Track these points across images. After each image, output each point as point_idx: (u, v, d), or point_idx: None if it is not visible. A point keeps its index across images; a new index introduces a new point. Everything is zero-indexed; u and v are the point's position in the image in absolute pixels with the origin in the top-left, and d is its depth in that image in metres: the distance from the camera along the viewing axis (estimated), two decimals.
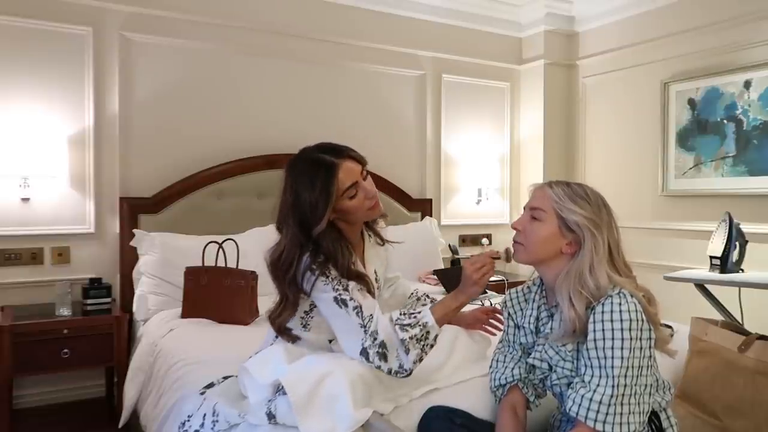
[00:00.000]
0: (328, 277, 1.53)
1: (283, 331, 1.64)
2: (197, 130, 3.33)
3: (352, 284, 1.55)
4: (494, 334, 1.91)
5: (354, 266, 1.61)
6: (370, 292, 1.60)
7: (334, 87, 3.74)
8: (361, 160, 1.62)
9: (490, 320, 1.93)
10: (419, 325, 1.50)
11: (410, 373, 1.50)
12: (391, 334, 1.49)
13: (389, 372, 1.49)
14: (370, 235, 1.79)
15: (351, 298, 1.52)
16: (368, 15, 3.81)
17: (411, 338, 1.48)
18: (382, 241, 1.82)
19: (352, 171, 1.58)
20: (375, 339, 1.48)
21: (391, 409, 1.53)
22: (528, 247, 1.45)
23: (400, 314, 1.53)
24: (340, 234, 1.61)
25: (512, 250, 1.51)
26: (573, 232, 1.40)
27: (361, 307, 1.51)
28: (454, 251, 3.91)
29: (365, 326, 1.50)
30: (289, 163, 1.62)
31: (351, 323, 1.51)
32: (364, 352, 1.49)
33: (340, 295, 1.52)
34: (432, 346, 1.52)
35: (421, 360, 1.51)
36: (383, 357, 1.47)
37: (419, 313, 1.53)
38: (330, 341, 1.69)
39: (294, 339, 1.65)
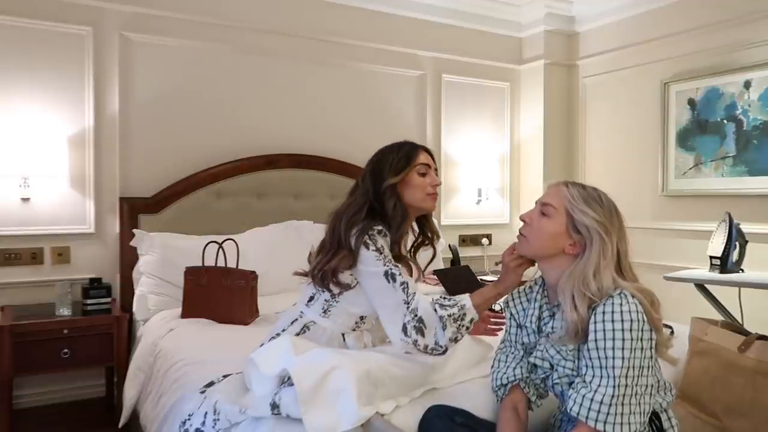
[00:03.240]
0: (381, 253, 1.61)
1: (335, 276, 1.66)
2: (197, 129, 3.33)
3: (399, 266, 1.64)
4: (496, 335, 1.92)
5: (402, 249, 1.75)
6: (411, 276, 1.70)
7: (334, 87, 3.73)
8: (435, 161, 1.83)
9: (492, 322, 1.94)
10: (457, 306, 1.58)
11: (445, 351, 1.58)
12: (430, 312, 1.56)
13: (425, 348, 1.55)
14: (411, 255, 1.85)
15: (400, 274, 1.61)
16: (368, 15, 3.81)
17: (449, 316, 1.56)
18: (418, 271, 1.85)
19: (428, 158, 1.81)
20: (415, 315, 1.55)
21: (392, 408, 1.53)
22: (531, 241, 1.46)
23: (440, 297, 1.63)
24: (402, 203, 1.72)
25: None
26: (579, 234, 1.40)
27: (407, 284, 1.60)
28: (454, 251, 3.91)
29: (408, 302, 1.57)
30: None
31: (396, 298, 1.58)
32: (404, 328, 1.55)
33: (390, 269, 1.60)
34: (468, 328, 1.59)
35: (456, 340, 1.58)
36: (420, 332, 1.55)
37: (458, 296, 1.62)
38: (343, 335, 1.73)
39: (345, 286, 1.68)
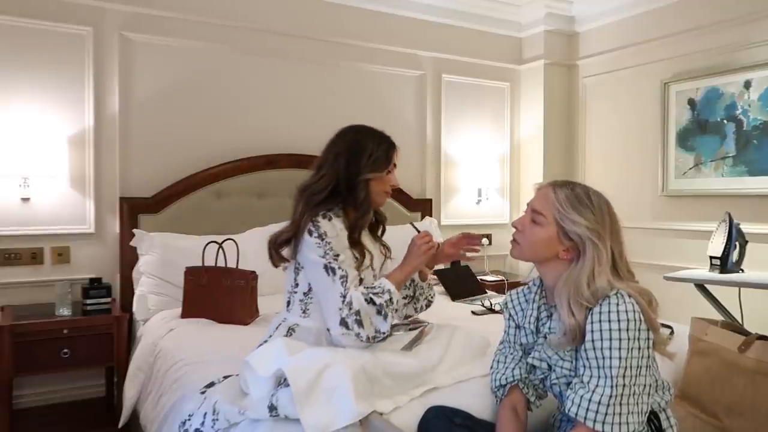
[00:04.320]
0: (323, 239, 1.66)
1: (279, 245, 1.74)
2: (197, 129, 3.33)
3: (346, 254, 1.68)
4: (472, 259, 2.05)
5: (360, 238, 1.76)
6: (358, 268, 1.72)
7: (334, 87, 3.73)
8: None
9: (466, 246, 1.95)
10: (386, 292, 1.67)
11: (386, 337, 1.67)
12: (364, 303, 1.63)
13: (368, 339, 1.62)
14: (377, 238, 1.91)
15: (339, 267, 1.66)
16: (368, 15, 3.81)
17: (385, 303, 1.65)
18: (386, 255, 1.94)
19: (396, 158, 1.83)
20: (351, 308, 1.62)
21: (391, 409, 1.54)
22: (524, 248, 1.46)
23: (365, 287, 1.69)
24: (371, 196, 1.76)
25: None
26: (571, 240, 1.39)
27: (346, 278, 1.66)
28: None
29: (344, 296, 1.63)
30: (352, 125, 1.86)
31: (334, 292, 1.64)
32: (343, 323, 1.62)
33: (329, 263, 1.66)
34: (396, 311, 1.73)
35: (392, 325, 1.68)
36: (360, 324, 1.61)
37: (379, 284, 1.70)
38: (328, 330, 1.72)
39: (281, 261, 1.76)
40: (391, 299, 1.66)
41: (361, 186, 1.73)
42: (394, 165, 1.82)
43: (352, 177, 1.73)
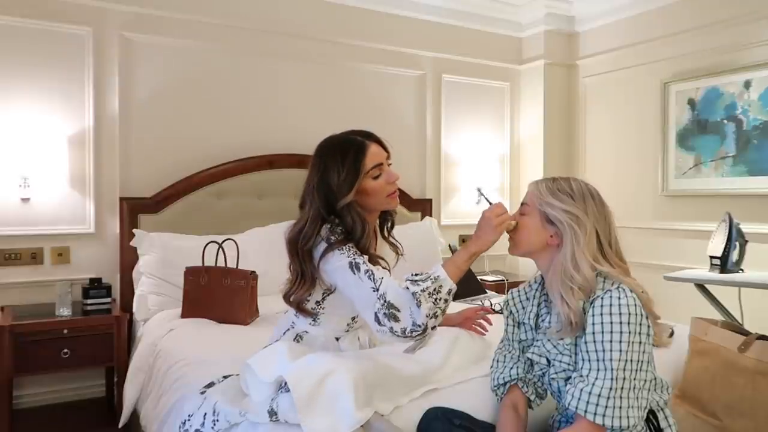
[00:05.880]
0: (344, 246, 1.56)
1: (302, 308, 1.67)
2: (197, 130, 3.33)
3: (366, 257, 1.58)
4: (483, 334, 1.96)
5: (371, 250, 1.64)
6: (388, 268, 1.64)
7: (333, 87, 3.73)
8: (386, 148, 1.70)
9: (479, 320, 1.95)
10: (430, 279, 1.47)
11: (425, 330, 1.45)
12: (399, 292, 1.46)
13: (403, 332, 1.45)
14: (385, 238, 1.82)
15: (364, 262, 1.54)
16: (368, 15, 3.81)
17: (423, 291, 1.45)
18: (396, 252, 1.81)
19: (378, 153, 1.65)
20: (384, 301, 1.46)
21: (391, 409, 1.54)
22: (517, 240, 1.51)
23: (412, 274, 1.51)
24: (361, 215, 1.62)
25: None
26: (555, 225, 1.44)
27: (372, 272, 1.52)
28: (454, 251, 3.91)
29: (377, 289, 1.48)
30: (318, 145, 1.70)
31: (364, 288, 1.51)
32: (376, 318, 1.47)
33: (354, 260, 1.54)
34: (446, 301, 1.47)
35: (435, 316, 1.45)
36: (393, 317, 1.45)
37: (428, 271, 1.51)
38: (337, 339, 1.72)
39: (313, 315, 1.69)
40: (438, 288, 1.45)
41: (345, 212, 1.59)
42: (381, 163, 1.64)
43: (332, 207, 1.60)
